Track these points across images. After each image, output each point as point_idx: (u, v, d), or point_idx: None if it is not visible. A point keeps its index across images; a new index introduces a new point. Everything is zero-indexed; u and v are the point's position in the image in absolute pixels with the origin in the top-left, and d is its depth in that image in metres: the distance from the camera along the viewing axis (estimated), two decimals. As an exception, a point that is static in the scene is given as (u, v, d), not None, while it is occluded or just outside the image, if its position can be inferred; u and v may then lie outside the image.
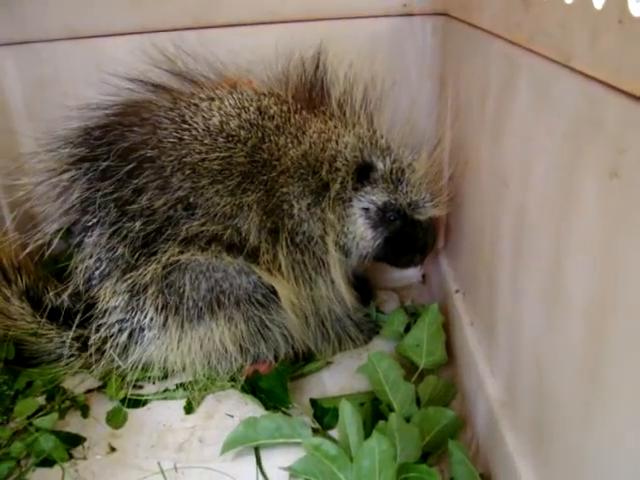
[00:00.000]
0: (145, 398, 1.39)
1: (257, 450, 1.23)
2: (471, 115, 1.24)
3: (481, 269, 1.21)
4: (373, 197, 1.34)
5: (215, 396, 1.40)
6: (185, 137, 1.28)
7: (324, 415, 1.29)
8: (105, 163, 1.28)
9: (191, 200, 1.27)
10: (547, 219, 0.84)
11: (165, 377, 1.43)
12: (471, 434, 1.21)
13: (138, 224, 1.27)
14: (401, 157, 1.35)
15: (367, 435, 1.08)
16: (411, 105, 1.47)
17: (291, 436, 1.21)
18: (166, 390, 1.41)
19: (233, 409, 1.35)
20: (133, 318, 1.35)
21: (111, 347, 1.37)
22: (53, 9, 1.43)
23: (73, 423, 1.33)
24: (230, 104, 1.32)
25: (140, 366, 1.39)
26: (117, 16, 1.45)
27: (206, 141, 1.28)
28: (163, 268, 1.29)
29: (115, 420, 1.33)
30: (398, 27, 1.50)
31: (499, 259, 1.07)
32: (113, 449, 1.27)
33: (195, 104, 1.33)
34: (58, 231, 1.37)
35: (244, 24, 1.48)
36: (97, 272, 1.35)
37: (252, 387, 1.37)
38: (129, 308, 1.35)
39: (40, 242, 1.36)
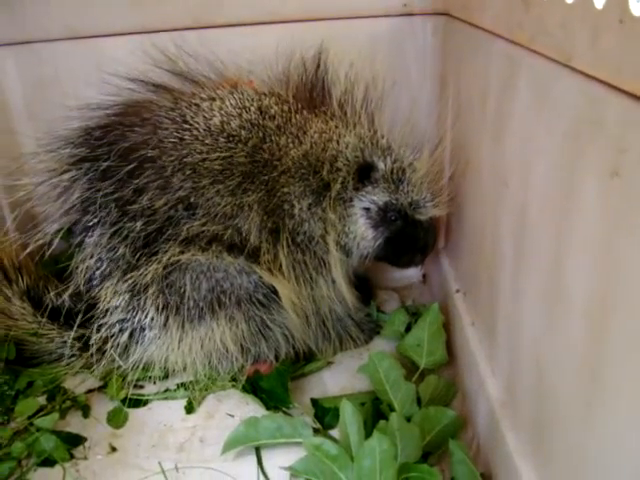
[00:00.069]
0: (146, 398, 1.39)
1: (258, 450, 1.23)
2: (472, 115, 1.24)
3: (482, 269, 1.21)
4: (374, 197, 1.34)
5: (216, 396, 1.40)
6: (186, 137, 1.28)
7: (325, 415, 1.29)
8: (106, 163, 1.28)
9: (192, 200, 1.27)
10: (548, 219, 0.84)
11: (166, 377, 1.43)
12: (472, 434, 1.21)
13: (139, 224, 1.27)
14: (402, 157, 1.35)
15: (368, 435, 1.08)
16: (412, 105, 1.47)
17: (292, 436, 1.21)
18: (167, 390, 1.41)
19: (234, 409, 1.36)
20: (134, 318, 1.35)
21: (112, 347, 1.37)
22: (53, 9, 1.43)
23: (74, 423, 1.33)
24: (231, 104, 1.32)
25: (141, 366, 1.38)
26: (117, 16, 1.45)
27: (207, 141, 1.28)
28: (164, 268, 1.29)
29: (116, 420, 1.33)
30: (399, 27, 1.50)
31: (500, 259, 1.07)
32: (114, 449, 1.27)
33: (196, 104, 1.33)
34: (59, 231, 1.37)
35: (245, 24, 1.48)
36: (98, 272, 1.35)
37: (253, 387, 1.37)
38: (130, 308, 1.35)
39: (41, 242, 1.36)
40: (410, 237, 1.37)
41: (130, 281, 1.32)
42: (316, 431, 1.25)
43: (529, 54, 0.88)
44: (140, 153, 1.27)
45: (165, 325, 1.34)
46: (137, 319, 1.35)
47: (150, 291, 1.31)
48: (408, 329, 1.48)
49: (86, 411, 1.35)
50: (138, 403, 1.37)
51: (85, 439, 1.28)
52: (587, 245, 0.72)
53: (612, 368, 0.68)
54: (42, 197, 1.38)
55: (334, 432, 1.25)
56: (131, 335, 1.37)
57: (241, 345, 1.37)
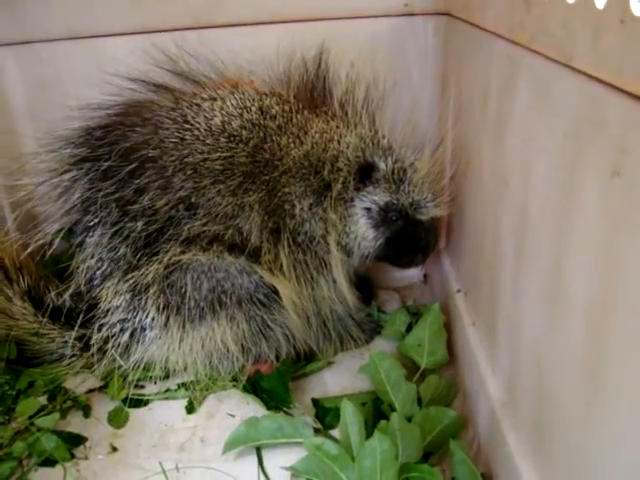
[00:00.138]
0: (147, 398, 1.39)
1: (259, 450, 1.23)
2: (473, 115, 1.24)
3: (483, 269, 1.21)
4: (375, 197, 1.34)
5: (217, 396, 1.40)
6: (187, 137, 1.28)
7: (326, 415, 1.29)
8: (107, 163, 1.28)
9: (193, 200, 1.27)
10: (548, 219, 0.84)
11: (167, 377, 1.43)
12: (472, 434, 1.21)
13: (140, 224, 1.27)
14: (403, 157, 1.35)
15: (369, 435, 1.08)
16: (413, 105, 1.46)
17: (293, 436, 1.21)
18: (167, 390, 1.41)
19: (235, 409, 1.35)
20: (135, 318, 1.35)
21: (113, 347, 1.37)
22: (54, 9, 1.43)
23: (75, 423, 1.33)
24: (232, 104, 1.32)
25: (142, 366, 1.38)
26: (118, 16, 1.45)
27: (208, 141, 1.28)
28: (165, 268, 1.29)
29: (117, 420, 1.33)
30: (400, 27, 1.50)
31: (500, 259, 1.07)
32: (115, 449, 1.27)
33: (197, 104, 1.33)
34: (60, 231, 1.37)
35: (245, 24, 1.48)
36: (99, 272, 1.35)
37: (254, 387, 1.37)
38: (131, 308, 1.35)
39: (42, 242, 1.36)
40: (411, 237, 1.38)
41: (131, 281, 1.32)
42: (317, 431, 1.25)
43: (530, 54, 0.88)
44: (141, 153, 1.27)
45: (166, 325, 1.34)
46: (138, 319, 1.35)
47: (151, 291, 1.31)
48: (409, 329, 1.48)
49: (87, 411, 1.35)
50: (139, 403, 1.37)
51: (86, 439, 1.28)
52: (588, 245, 0.72)
53: (612, 368, 0.68)
54: (43, 197, 1.38)
55: (335, 432, 1.25)
56: (132, 335, 1.37)
57: (242, 345, 1.37)
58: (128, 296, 1.34)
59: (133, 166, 1.27)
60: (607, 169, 0.66)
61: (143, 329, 1.36)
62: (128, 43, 1.44)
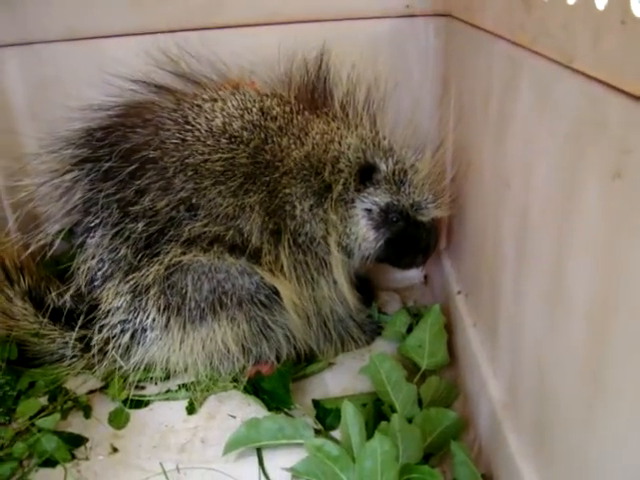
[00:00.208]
0: (147, 399, 1.39)
1: (259, 451, 1.23)
2: (474, 116, 1.24)
3: (483, 270, 1.21)
4: (376, 198, 1.34)
5: (217, 397, 1.40)
6: (188, 138, 1.28)
7: (326, 416, 1.29)
8: (107, 164, 1.28)
9: (193, 201, 1.27)
10: (549, 220, 0.84)
11: (167, 378, 1.43)
12: (473, 435, 1.21)
13: (141, 225, 1.28)
14: (404, 158, 1.35)
15: (369, 436, 1.08)
16: (414, 106, 1.47)
17: (293, 437, 1.21)
18: (168, 391, 1.41)
19: (235, 410, 1.35)
20: (135, 319, 1.35)
21: (113, 348, 1.37)
22: (55, 10, 1.43)
23: (75, 424, 1.33)
24: (233, 105, 1.32)
25: (142, 367, 1.39)
26: (118, 17, 1.45)
27: (209, 142, 1.28)
28: (165, 269, 1.29)
29: (117, 421, 1.33)
30: (401, 28, 1.50)
31: (501, 260, 1.07)
32: (115, 450, 1.27)
33: (198, 105, 1.33)
34: (60, 232, 1.37)
35: (246, 25, 1.48)
36: (99, 273, 1.35)
37: (254, 388, 1.37)
38: (131, 309, 1.35)
39: (42, 243, 1.36)
40: (412, 238, 1.37)
41: (132, 282, 1.32)
42: (317, 432, 1.25)
43: (531, 55, 0.88)
44: (142, 154, 1.27)
45: (166, 326, 1.34)
46: (139, 320, 1.35)
47: (152, 292, 1.31)
48: (409, 330, 1.48)
49: (87, 412, 1.35)
50: (139, 404, 1.37)
51: (86, 440, 1.28)
52: (589, 247, 0.72)
53: (613, 370, 0.68)
54: (44, 198, 1.38)
55: (335, 433, 1.25)
56: (132, 336, 1.37)
57: (242, 346, 1.37)
58: (129, 297, 1.34)
59: (134, 167, 1.27)
60: (608, 170, 0.66)
61: (144, 330, 1.36)
62: (129, 44, 1.44)
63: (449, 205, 1.39)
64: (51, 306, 1.39)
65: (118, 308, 1.35)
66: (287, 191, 1.30)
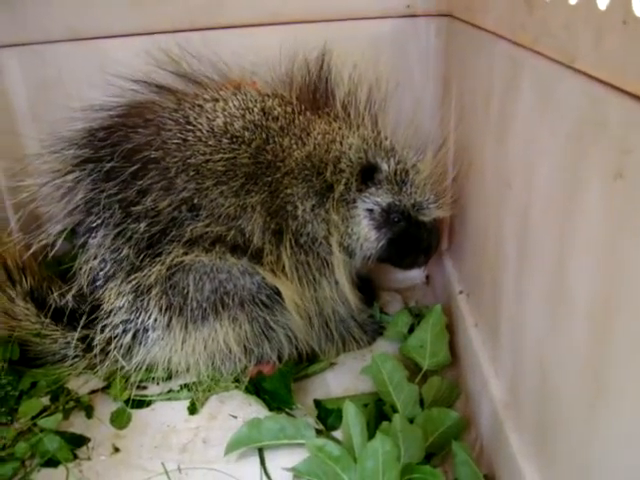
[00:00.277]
0: (149, 399, 1.39)
1: (261, 451, 1.23)
2: (475, 116, 1.24)
3: (485, 270, 1.21)
4: (377, 198, 1.34)
5: (219, 397, 1.40)
6: (189, 138, 1.28)
7: (328, 416, 1.29)
8: (109, 164, 1.28)
9: (195, 201, 1.27)
10: (551, 220, 0.84)
11: (169, 378, 1.43)
12: (475, 435, 1.21)
13: (142, 225, 1.28)
14: (405, 158, 1.35)
15: (371, 436, 1.08)
16: (415, 106, 1.47)
17: (295, 437, 1.21)
18: (170, 391, 1.41)
19: (237, 410, 1.35)
20: (137, 319, 1.35)
21: (115, 348, 1.37)
22: (55, 10, 1.43)
23: (77, 424, 1.33)
24: (234, 105, 1.32)
25: (144, 367, 1.39)
26: (119, 17, 1.45)
27: (210, 142, 1.28)
28: (167, 269, 1.29)
29: (119, 421, 1.33)
30: (402, 28, 1.50)
31: (503, 260, 1.07)
32: (117, 450, 1.27)
33: (199, 105, 1.33)
34: (62, 232, 1.37)
35: (248, 25, 1.48)
36: (101, 273, 1.36)
37: (256, 388, 1.37)
38: (133, 309, 1.35)
39: (44, 243, 1.36)
40: (413, 238, 1.38)
41: (134, 282, 1.32)
42: (319, 432, 1.25)
43: (532, 55, 0.88)
44: (143, 154, 1.27)
45: (168, 326, 1.34)
46: (140, 320, 1.35)
47: (153, 292, 1.31)
48: (411, 330, 1.48)
49: (89, 412, 1.35)
50: (141, 404, 1.37)
51: (88, 440, 1.28)
52: (590, 247, 0.72)
53: (615, 370, 0.68)
54: (46, 198, 1.38)
55: (337, 433, 1.25)
56: (134, 336, 1.37)
57: (244, 346, 1.37)
58: (131, 297, 1.34)
59: (136, 167, 1.27)
60: (610, 170, 0.66)
61: (146, 330, 1.36)
62: (130, 44, 1.44)
63: (450, 205, 1.39)
64: (53, 306, 1.40)
65: (120, 308, 1.35)
66: (289, 191, 1.30)
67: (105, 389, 1.40)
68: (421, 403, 1.26)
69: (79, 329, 1.36)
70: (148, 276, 1.29)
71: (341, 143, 1.32)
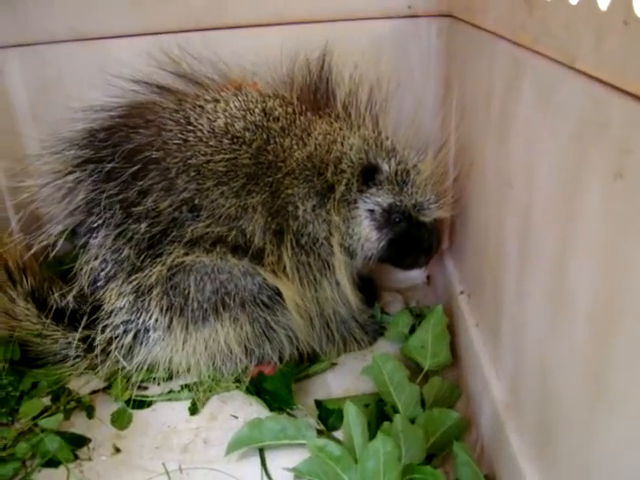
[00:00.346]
0: (150, 399, 1.39)
1: (262, 451, 1.23)
2: (476, 116, 1.24)
3: (486, 271, 1.21)
4: (378, 199, 1.34)
5: (220, 397, 1.40)
6: (190, 139, 1.29)
7: (329, 416, 1.29)
8: (110, 165, 1.28)
9: (196, 202, 1.27)
10: (552, 221, 0.84)
11: (170, 378, 1.43)
12: (476, 436, 1.21)
13: (143, 226, 1.28)
14: (406, 159, 1.35)
15: (372, 436, 1.08)
16: (416, 107, 1.47)
17: (296, 437, 1.21)
18: (171, 391, 1.41)
19: (238, 410, 1.35)
20: (138, 319, 1.35)
21: (116, 348, 1.37)
22: (57, 11, 1.43)
23: (78, 424, 1.33)
24: (235, 106, 1.32)
25: (145, 367, 1.39)
26: (120, 18, 1.45)
27: (211, 143, 1.28)
28: (168, 270, 1.29)
29: (120, 421, 1.33)
30: (403, 29, 1.50)
31: (504, 261, 1.07)
32: (118, 450, 1.27)
33: (200, 106, 1.33)
34: (63, 232, 1.37)
35: (248, 26, 1.48)
36: (102, 273, 1.36)
37: (257, 388, 1.37)
38: (134, 309, 1.35)
39: (45, 243, 1.36)
40: (414, 239, 1.38)
41: (134, 282, 1.32)
42: (320, 432, 1.25)
43: (533, 55, 0.88)
44: (144, 155, 1.27)
45: (169, 326, 1.34)
46: (141, 320, 1.35)
47: (154, 292, 1.31)
48: (412, 331, 1.48)
49: (90, 412, 1.35)
50: (142, 404, 1.37)
51: (89, 440, 1.28)
52: (591, 247, 0.72)
53: (616, 371, 0.68)
54: (46, 198, 1.38)
55: (338, 434, 1.25)
56: (135, 336, 1.37)
57: (245, 346, 1.37)
58: (132, 297, 1.34)
59: (136, 168, 1.27)
60: (610, 171, 0.66)
61: (146, 330, 1.36)
62: (131, 45, 1.44)
63: (451, 205, 1.39)
64: (54, 307, 1.39)
65: (121, 309, 1.35)
66: (289, 192, 1.30)
67: (106, 389, 1.40)
68: (422, 404, 1.26)
69: (80, 329, 1.36)
70: (149, 277, 1.29)
71: (342, 143, 1.32)
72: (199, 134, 1.29)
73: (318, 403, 1.32)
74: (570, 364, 0.80)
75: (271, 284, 1.33)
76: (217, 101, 1.34)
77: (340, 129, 1.33)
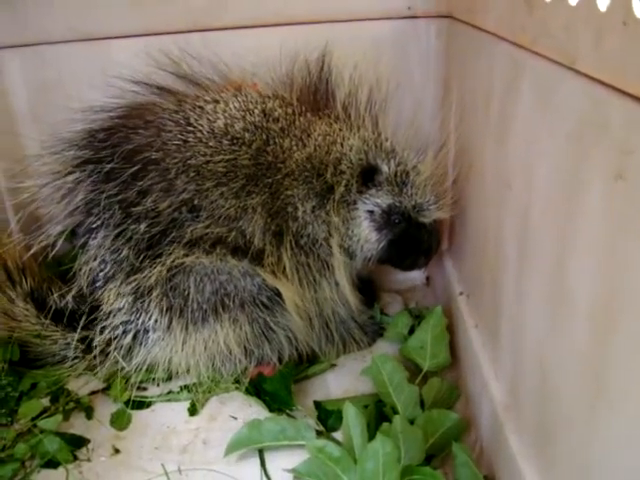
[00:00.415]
0: (149, 400, 1.39)
1: (261, 452, 1.23)
2: (475, 117, 1.24)
3: (485, 271, 1.21)
4: (378, 200, 1.34)
5: (219, 398, 1.40)
6: (190, 139, 1.28)
7: (328, 417, 1.29)
8: (109, 165, 1.28)
9: (196, 202, 1.27)
10: (551, 221, 0.84)
11: (169, 379, 1.43)
12: (475, 436, 1.21)
13: (143, 226, 1.28)
14: (406, 160, 1.35)
15: (371, 437, 1.08)
16: (416, 107, 1.47)
17: (295, 438, 1.21)
18: (170, 392, 1.41)
19: (237, 411, 1.35)
20: (137, 320, 1.35)
21: (115, 349, 1.37)
22: (57, 11, 1.43)
23: (77, 425, 1.33)
24: (235, 107, 1.32)
25: (144, 368, 1.38)
26: (120, 19, 1.45)
27: (211, 143, 1.28)
28: (168, 270, 1.29)
29: (119, 422, 1.33)
30: (402, 29, 1.50)
31: (503, 261, 1.07)
32: (117, 451, 1.27)
33: (200, 106, 1.33)
34: (62, 233, 1.37)
35: (248, 26, 1.48)
36: (101, 274, 1.35)
37: (256, 389, 1.37)
38: (133, 310, 1.35)
39: (44, 244, 1.36)
40: (413, 240, 1.37)
41: (134, 283, 1.32)
42: (319, 433, 1.25)
43: (532, 56, 0.88)
44: (144, 155, 1.27)
45: (169, 327, 1.34)
46: (141, 321, 1.35)
47: (154, 293, 1.31)
48: (411, 332, 1.48)
49: (89, 413, 1.35)
50: (141, 405, 1.37)
51: (88, 441, 1.28)
52: (591, 248, 0.72)
53: (616, 371, 0.68)
54: (46, 199, 1.38)
55: (337, 434, 1.25)
56: (135, 337, 1.37)
57: (244, 347, 1.37)
58: (131, 298, 1.34)
59: (136, 168, 1.27)
60: (610, 172, 0.66)
61: (146, 331, 1.36)
62: (130, 45, 1.44)
63: (451, 206, 1.39)
64: (53, 307, 1.40)
65: (120, 309, 1.35)
66: (289, 192, 1.30)
67: (105, 390, 1.40)
68: (421, 404, 1.26)
69: (79, 330, 1.36)
70: (148, 277, 1.29)
71: (342, 144, 1.32)
72: (199, 135, 1.29)
73: (317, 404, 1.32)
74: (570, 363, 0.80)
75: (270, 285, 1.33)
76: (217, 102, 1.34)
77: (340, 130, 1.33)
